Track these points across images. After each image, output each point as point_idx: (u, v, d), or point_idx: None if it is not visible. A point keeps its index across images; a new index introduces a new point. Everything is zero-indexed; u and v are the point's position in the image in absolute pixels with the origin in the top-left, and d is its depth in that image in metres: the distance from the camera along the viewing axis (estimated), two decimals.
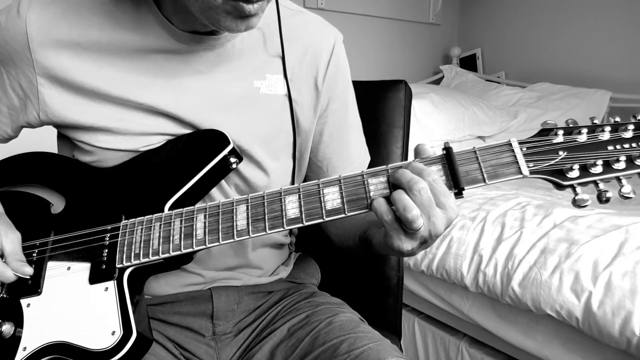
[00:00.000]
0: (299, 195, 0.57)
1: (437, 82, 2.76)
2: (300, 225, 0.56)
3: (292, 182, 0.80)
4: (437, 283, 1.47)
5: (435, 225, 0.52)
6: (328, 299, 0.79)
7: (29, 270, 0.63)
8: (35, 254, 0.65)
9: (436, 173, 0.52)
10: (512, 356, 1.34)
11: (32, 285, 0.62)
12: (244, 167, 0.70)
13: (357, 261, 1.00)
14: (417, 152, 0.56)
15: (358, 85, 0.86)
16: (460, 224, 1.42)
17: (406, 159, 0.99)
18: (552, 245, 1.19)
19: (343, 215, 0.55)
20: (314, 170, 0.80)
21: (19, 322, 0.60)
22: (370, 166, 0.85)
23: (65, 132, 0.70)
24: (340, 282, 0.95)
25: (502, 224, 1.34)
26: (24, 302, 0.62)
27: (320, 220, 0.55)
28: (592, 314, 1.06)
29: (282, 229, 0.56)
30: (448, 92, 2.18)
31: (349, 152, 0.80)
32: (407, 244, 0.53)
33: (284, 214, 0.56)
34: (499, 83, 2.58)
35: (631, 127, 0.51)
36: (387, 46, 2.64)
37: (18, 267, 0.62)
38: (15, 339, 0.59)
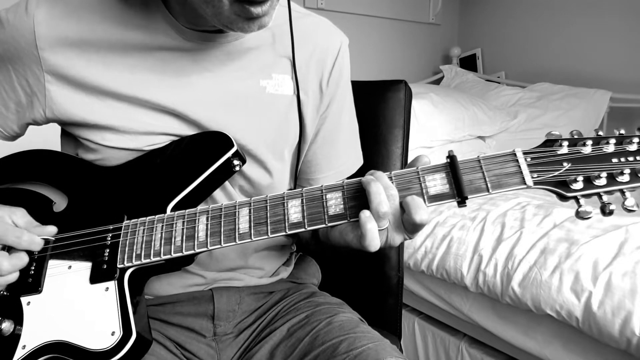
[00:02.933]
0: (302, 199, 0.57)
1: (437, 82, 2.76)
2: (302, 230, 0.56)
3: (294, 182, 0.80)
4: (437, 283, 1.47)
5: (394, 238, 0.55)
6: (328, 299, 0.79)
7: (52, 229, 0.64)
8: (36, 252, 0.65)
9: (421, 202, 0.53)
10: (512, 356, 1.34)
11: (33, 284, 0.62)
12: (248, 167, 0.70)
13: (357, 261, 1.00)
14: (414, 162, 0.57)
15: (358, 85, 0.86)
16: (460, 224, 1.42)
17: (406, 159, 0.99)
18: (552, 245, 1.19)
19: (345, 221, 0.55)
20: (300, 168, 0.80)
21: (18, 320, 0.60)
22: (366, 169, 0.85)
23: (70, 129, 0.70)
24: (341, 282, 0.95)
25: (502, 224, 1.34)
26: (24, 300, 0.62)
27: (323, 226, 0.55)
28: (592, 314, 1.06)
29: (284, 233, 0.56)
30: (448, 92, 2.18)
31: (337, 154, 0.80)
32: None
33: (286, 218, 0.56)
34: (499, 83, 2.58)
35: (636, 140, 0.52)
36: (387, 46, 2.63)
37: (42, 231, 0.64)
38: (15, 337, 0.59)
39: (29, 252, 0.63)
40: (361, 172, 0.85)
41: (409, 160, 0.98)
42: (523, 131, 2.18)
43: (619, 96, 2.10)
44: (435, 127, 1.94)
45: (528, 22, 2.59)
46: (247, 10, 0.54)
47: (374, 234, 0.52)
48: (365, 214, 0.52)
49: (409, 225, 0.54)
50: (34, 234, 0.62)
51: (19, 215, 0.64)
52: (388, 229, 0.55)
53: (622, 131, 0.53)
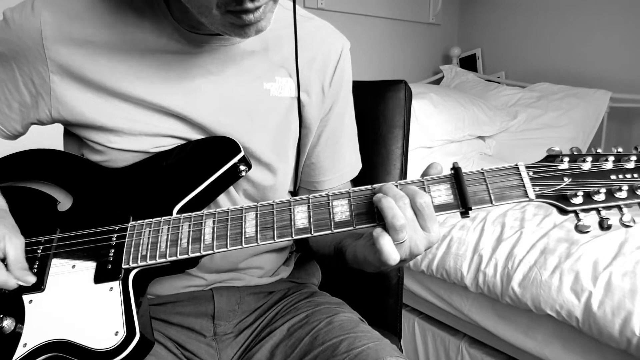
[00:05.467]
0: (309, 205, 0.57)
1: (437, 82, 2.75)
2: (309, 235, 0.56)
3: (295, 182, 0.80)
4: (437, 283, 1.47)
5: (417, 244, 0.53)
6: (328, 298, 0.79)
7: (31, 279, 0.62)
8: (39, 251, 0.65)
9: (428, 196, 0.53)
10: (512, 356, 1.35)
11: (36, 282, 0.62)
12: (253, 170, 0.70)
13: None
14: (428, 169, 0.57)
15: (358, 85, 0.86)
16: (461, 224, 1.42)
17: (406, 159, 0.99)
18: (552, 245, 1.20)
19: (351, 228, 0.55)
20: (304, 171, 0.81)
21: (20, 318, 0.60)
22: (366, 169, 0.85)
23: (75, 130, 0.70)
24: (341, 282, 0.95)
25: (502, 224, 1.35)
26: (26, 298, 0.62)
27: (329, 232, 0.56)
28: (592, 314, 1.06)
29: (290, 239, 0.57)
30: (448, 92, 2.18)
31: (341, 157, 0.81)
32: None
33: (292, 223, 0.57)
34: (499, 83, 2.58)
35: (633, 158, 0.54)
36: (387, 46, 2.63)
37: (21, 276, 0.61)
38: (16, 335, 0.59)
39: (30, 252, 0.64)
40: (360, 172, 0.85)
41: (410, 160, 0.99)
42: (523, 131, 2.18)
43: (619, 96, 2.10)
44: (435, 127, 1.94)
45: (528, 22, 2.59)
46: (240, 19, 0.54)
47: (390, 248, 0.52)
48: (376, 231, 0.52)
49: (422, 221, 0.53)
50: (12, 277, 0.61)
51: (14, 245, 0.62)
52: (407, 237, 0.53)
53: (620, 149, 0.55)
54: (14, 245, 0.62)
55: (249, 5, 0.52)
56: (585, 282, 1.09)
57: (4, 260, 0.61)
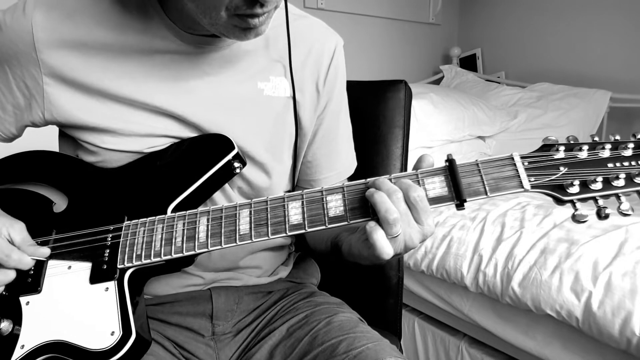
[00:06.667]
0: (302, 201, 0.57)
1: (437, 82, 2.76)
2: (303, 231, 0.56)
3: (292, 182, 0.80)
4: (437, 283, 1.47)
5: (411, 237, 0.53)
6: (327, 298, 0.79)
7: (45, 251, 0.63)
8: None
9: (421, 190, 0.53)
10: (512, 356, 1.34)
11: (32, 283, 0.62)
12: (247, 169, 0.70)
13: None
14: (419, 162, 0.56)
15: (358, 85, 0.86)
16: (460, 224, 1.42)
17: (406, 159, 0.99)
18: (552, 245, 1.19)
19: (345, 223, 0.55)
20: (301, 170, 0.80)
21: (17, 320, 0.60)
22: (366, 169, 0.85)
23: (69, 131, 0.70)
24: (340, 282, 0.95)
25: (502, 224, 1.34)
26: (23, 300, 0.62)
27: (323, 227, 0.56)
28: (592, 314, 1.06)
29: (284, 235, 0.57)
30: (448, 92, 2.18)
31: (338, 154, 0.81)
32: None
33: (286, 219, 0.57)
34: (499, 83, 2.58)
35: (631, 145, 0.53)
36: (387, 46, 2.63)
37: (34, 251, 0.63)
38: (14, 337, 0.59)
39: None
40: (360, 172, 0.85)
41: (410, 160, 0.99)
42: (523, 131, 2.18)
43: (619, 96, 2.10)
44: (435, 127, 1.94)
45: (528, 22, 2.59)
46: (245, 22, 0.55)
47: (383, 242, 0.52)
48: (370, 225, 0.52)
49: (416, 214, 0.53)
50: (26, 254, 0.62)
51: (17, 230, 0.63)
52: (401, 230, 0.53)
53: (618, 137, 0.54)
54: (17, 229, 0.63)
55: (259, 10, 0.53)
56: (585, 282, 1.09)
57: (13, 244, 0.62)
